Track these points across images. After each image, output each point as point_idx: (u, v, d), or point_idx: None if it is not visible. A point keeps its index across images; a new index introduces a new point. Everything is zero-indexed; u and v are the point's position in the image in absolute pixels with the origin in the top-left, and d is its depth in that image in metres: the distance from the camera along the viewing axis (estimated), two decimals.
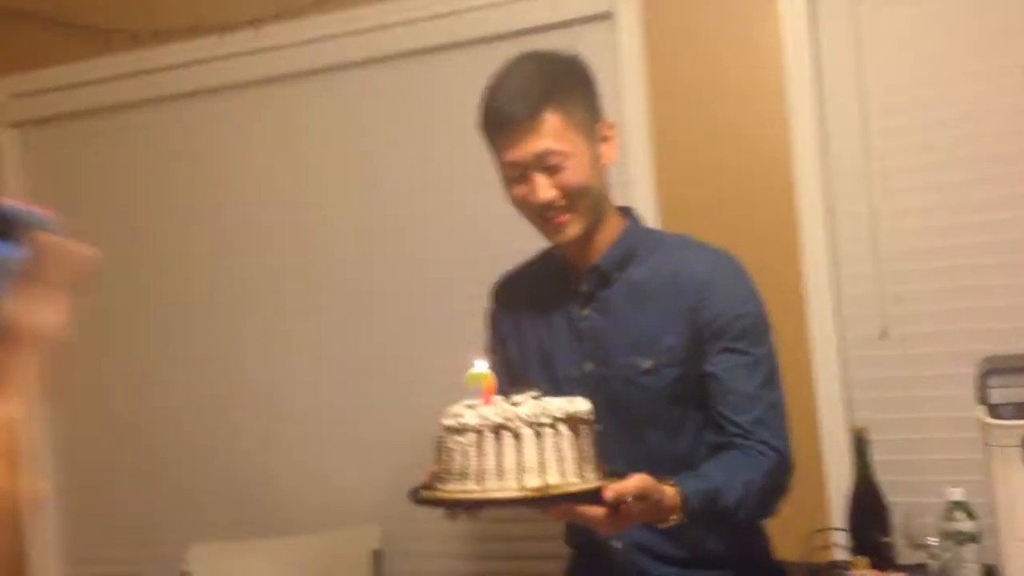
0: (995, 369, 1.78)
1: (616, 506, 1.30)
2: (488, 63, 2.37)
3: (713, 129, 2.23)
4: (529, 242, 1.75)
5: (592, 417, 1.37)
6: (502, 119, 1.58)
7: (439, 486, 1.37)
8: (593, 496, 1.31)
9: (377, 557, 2.41)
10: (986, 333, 2.06)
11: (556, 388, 1.63)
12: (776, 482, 1.58)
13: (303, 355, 2.68)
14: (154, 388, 2.82)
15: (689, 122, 2.25)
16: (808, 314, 2.16)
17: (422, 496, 1.39)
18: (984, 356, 1.91)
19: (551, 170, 1.56)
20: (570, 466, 1.31)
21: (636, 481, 1.32)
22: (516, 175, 1.60)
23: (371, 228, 2.61)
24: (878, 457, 1.97)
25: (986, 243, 2.09)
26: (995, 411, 1.72)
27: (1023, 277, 2.06)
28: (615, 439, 1.48)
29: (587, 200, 1.60)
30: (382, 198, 2.59)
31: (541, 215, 1.61)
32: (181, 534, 2.65)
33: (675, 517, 1.41)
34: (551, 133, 1.55)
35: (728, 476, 1.49)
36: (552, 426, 1.32)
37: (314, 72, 2.62)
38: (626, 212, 1.73)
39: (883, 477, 1.96)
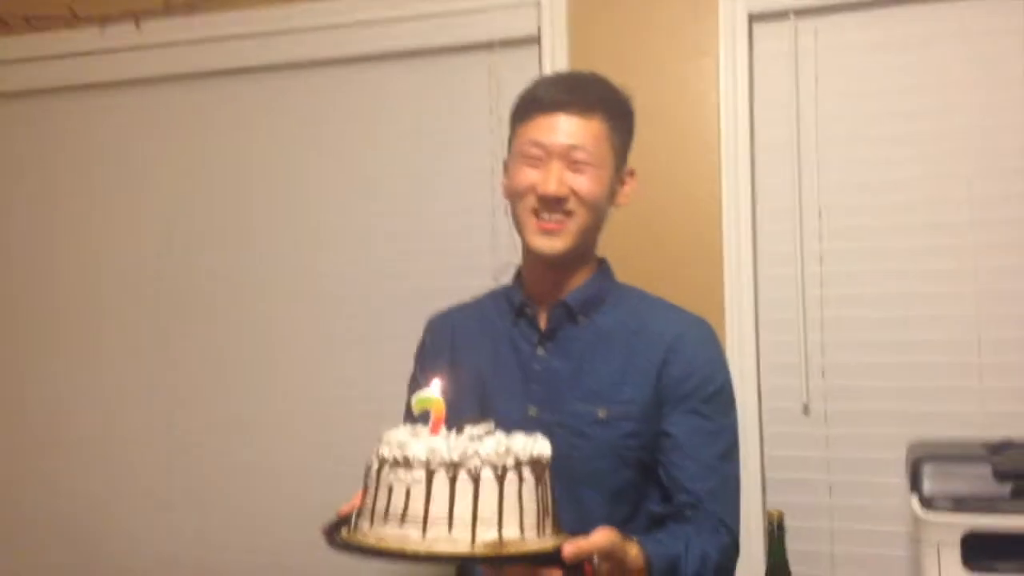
0: (928, 455, 1.61)
1: (579, 566, 1.10)
2: (404, 80, 2.26)
3: (639, 173, 2.04)
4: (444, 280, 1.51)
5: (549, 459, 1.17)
6: (550, 100, 1.48)
7: (368, 529, 1.11)
8: (552, 556, 1.10)
9: None
10: (915, 415, 1.90)
11: None
12: (728, 562, 1.42)
13: (153, 396, 2.40)
14: None
15: None
16: None
17: (344, 540, 1.12)
18: (913, 440, 1.75)
19: (573, 167, 1.46)
20: (529, 519, 1.10)
21: (601, 537, 1.13)
22: (534, 158, 1.47)
23: (238, 239, 2.38)
24: (794, 547, 1.77)
25: (919, 317, 1.94)
26: (929, 503, 1.53)
27: (957, 356, 1.91)
28: None
29: (589, 218, 1.49)
30: (259, 215, 2.37)
31: (536, 213, 1.47)
32: None
33: None
34: (591, 134, 1.47)
35: (686, 546, 1.33)
36: (516, 469, 1.10)
37: (203, 75, 2.40)
38: (600, 260, 1.61)
39: (799, 570, 1.76)
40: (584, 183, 1.45)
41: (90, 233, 2.47)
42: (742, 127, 2.03)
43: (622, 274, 1.64)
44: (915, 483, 1.56)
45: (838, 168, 2.00)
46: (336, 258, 2.30)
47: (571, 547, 1.09)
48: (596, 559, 1.11)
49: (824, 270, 2.00)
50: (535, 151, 1.46)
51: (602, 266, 1.59)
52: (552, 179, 1.44)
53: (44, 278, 2.49)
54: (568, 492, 1.42)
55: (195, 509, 2.33)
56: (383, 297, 2.25)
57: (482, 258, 2.17)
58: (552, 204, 1.45)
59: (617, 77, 1.53)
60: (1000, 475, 1.52)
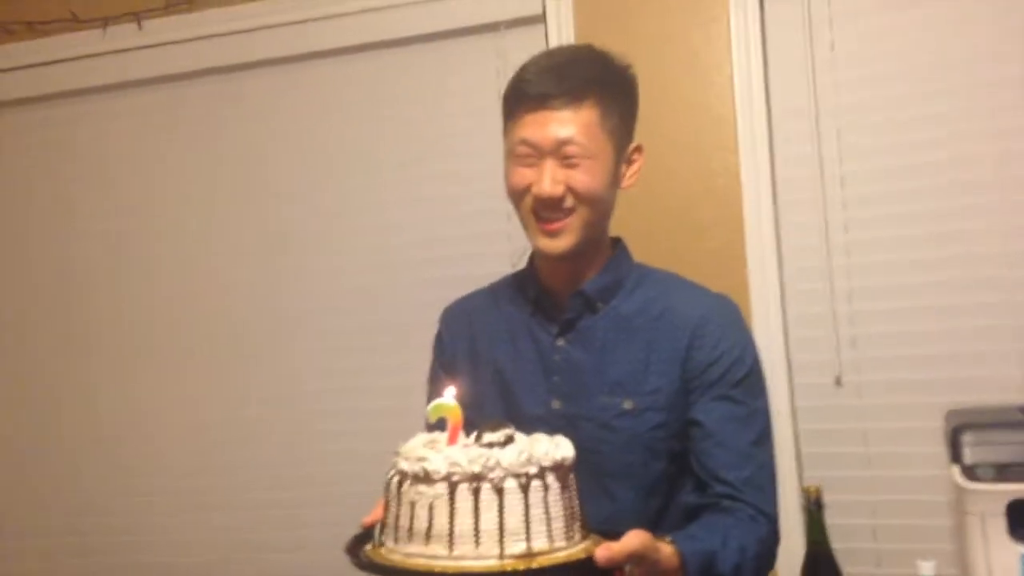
0: (967, 424, 1.56)
1: (611, 572, 1.06)
2: (412, 66, 2.23)
3: (653, 149, 2.00)
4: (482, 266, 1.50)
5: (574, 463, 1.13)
6: (536, 90, 1.39)
7: (392, 545, 1.08)
8: (584, 563, 1.06)
9: None
10: (951, 382, 1.86)
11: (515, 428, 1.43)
12: (768, 552, 1.37)
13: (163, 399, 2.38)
14: None
15: None
16: None
17: (368, 559, 1.09)
18: (951, 408, 1.71)
19: (567, 163, 1.38)
20: (557, 526, 1.07)
21: (633, 540, 1.08)
22: (525, 156, 1.40)
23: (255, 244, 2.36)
24: (833, 522, 1.72)
25: (949, 281, 1.89)
26: (971, 472, 1.49)
27: (990, 318, 1.86)
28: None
29: (592, 212, 1.41)
30: (273, 209, 2.34)
31: (536, 214, 1.41)
32: None
33: None
34: (583, 124, 1.38)
35: (723, 539, 1.27)
36: (540, 477, 1.07)
37: (208, 71, 2.37)
38: (615, 241, 1.54)
39: (839, 545, 1.71)
40: (581, 179, 1.38)
41: (106, 235, 2.45)
42: (757, 96, 1.98)
43: (642, 252, 1.60)
44: (955, 453, 1.52)
45: (859, 133, 1.95)
46: (350, 249, 2.27)
47: (604, 552, 1.05)
48: (628, 566, 1.07)
49: (849, 238, 1.95)
50: (525, 150, 1.40)
51: (618, 249, 1.53)
52: (546, 179, 1.37)
53: (64, 281, 2.47)
54: (598, 486, 1.38)
55: (222, 509, 2.33)
56: (399, 288, 2.22)
57: (499, 244, 2.14)
58: (549, 205, 1.39)
59: (625, 51, 1.48)
60: None
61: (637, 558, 1.09)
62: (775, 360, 1.93)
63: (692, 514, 1.38)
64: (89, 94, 2.44)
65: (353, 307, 2.26)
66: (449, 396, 1.14)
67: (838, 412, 1.94)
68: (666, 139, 2.01)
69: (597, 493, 1.36)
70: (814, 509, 1.70)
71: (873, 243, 1.93)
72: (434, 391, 1.57)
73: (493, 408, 1.47)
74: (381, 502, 1.13)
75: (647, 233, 1.94)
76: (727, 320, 1.45)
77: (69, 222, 2.48)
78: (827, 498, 1.71)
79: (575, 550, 1.08)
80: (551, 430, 1.22)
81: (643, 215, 1.98)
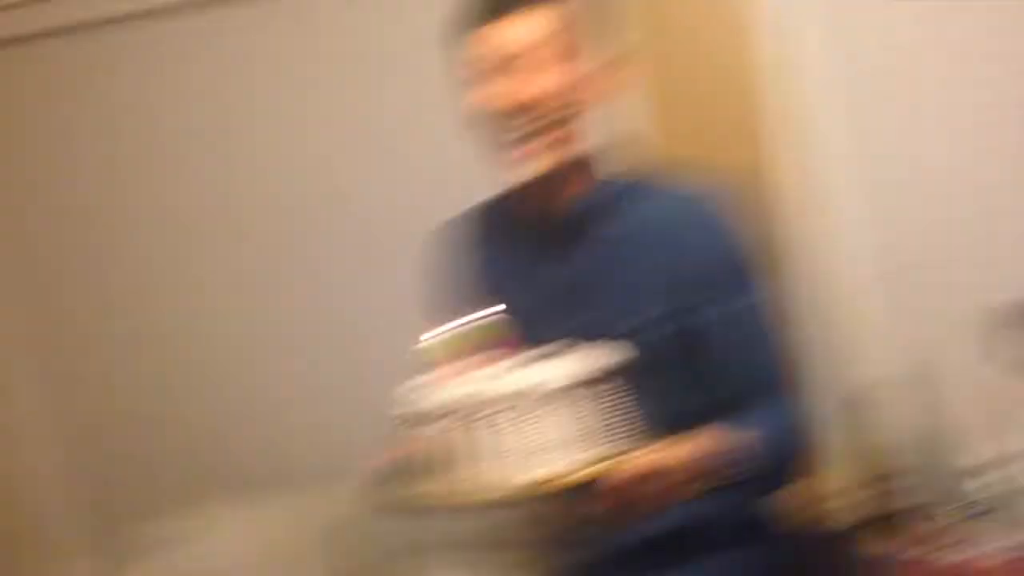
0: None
1: (613, 496, 1.13)
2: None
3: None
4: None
5: (618, 367, 1.18)
6: (482, 10, 1.39)
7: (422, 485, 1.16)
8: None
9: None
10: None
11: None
12: (789, 442, 1.39)
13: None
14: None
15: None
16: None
17: (405, 499, 1.18)
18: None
19: (526, 69, 1.37)
20: (620, 433, 1.15)
21: (636, 464, 1.16)
22: (479, 75, 1.39)
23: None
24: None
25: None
26: None
27: None
28: None
29: (559, 130, 1.39)
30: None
31: (505, 142, 1.39)
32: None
33: (698, 485, 1.25)
34: (540, 28, 1.37)
35: (743, 433, 1.31)
36: (591, 384, 1.15)
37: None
38: (601, 155, 1.51)
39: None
40: (536, 88, 1.36)
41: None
42: None
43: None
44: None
45: None
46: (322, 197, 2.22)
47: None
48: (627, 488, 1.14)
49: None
50: (481, 66, 1.38)
51: (605, 164, 1.49)
52: (507, 91, 1.36)
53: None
54: None
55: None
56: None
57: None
58: (513, 124, 1.37)
59: None
60: None
61: (640, 480, 1.16)
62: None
63: (706, 416, 1.37)
64: None
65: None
66: (496, 314, 1.18)
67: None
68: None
69: None
70: (855, 407, 1.71)
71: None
72: (443, 311, 1.46)
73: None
74: (400, 444, 1.18)
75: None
76: (703, 222, 1.43)
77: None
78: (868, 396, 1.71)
79: (584, 474, 1.13)
80: None
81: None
